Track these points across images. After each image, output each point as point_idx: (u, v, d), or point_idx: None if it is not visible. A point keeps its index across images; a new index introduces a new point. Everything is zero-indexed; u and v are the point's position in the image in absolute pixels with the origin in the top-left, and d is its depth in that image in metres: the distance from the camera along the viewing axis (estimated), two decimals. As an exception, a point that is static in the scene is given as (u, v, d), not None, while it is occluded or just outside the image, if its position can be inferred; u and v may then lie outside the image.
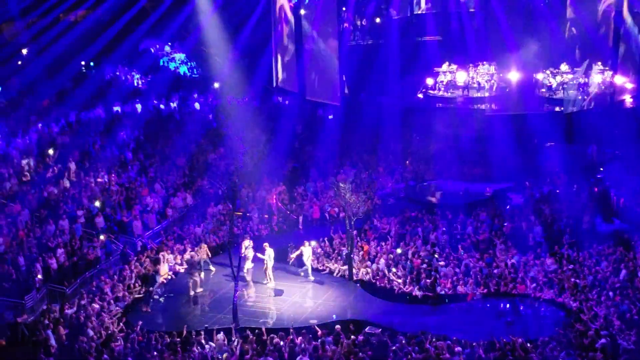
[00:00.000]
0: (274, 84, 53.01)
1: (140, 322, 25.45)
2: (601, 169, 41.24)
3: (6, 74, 41.69)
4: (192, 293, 28.69)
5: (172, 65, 50.16)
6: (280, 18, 51.51)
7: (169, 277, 30.13)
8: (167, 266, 30.48)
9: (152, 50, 50.20)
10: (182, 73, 50.78)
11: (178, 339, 23.59)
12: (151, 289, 28.21)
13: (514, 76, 48.46)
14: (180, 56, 50.80)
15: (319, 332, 23.68)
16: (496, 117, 48.10)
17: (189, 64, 51.33)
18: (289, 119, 49.82)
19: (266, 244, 30.22)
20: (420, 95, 52.75)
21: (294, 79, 51.71)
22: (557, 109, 47.50)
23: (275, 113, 50.09)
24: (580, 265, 29.33)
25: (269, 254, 29.79)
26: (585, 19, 46.28)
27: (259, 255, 29.64)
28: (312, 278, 30.22)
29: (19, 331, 25.28)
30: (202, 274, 29.66)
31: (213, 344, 23.37)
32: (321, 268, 31.14)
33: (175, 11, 48.57)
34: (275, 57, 52.85)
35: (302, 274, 30.50)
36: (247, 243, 29.84)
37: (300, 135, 48.59)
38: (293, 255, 31.08)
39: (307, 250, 30.43)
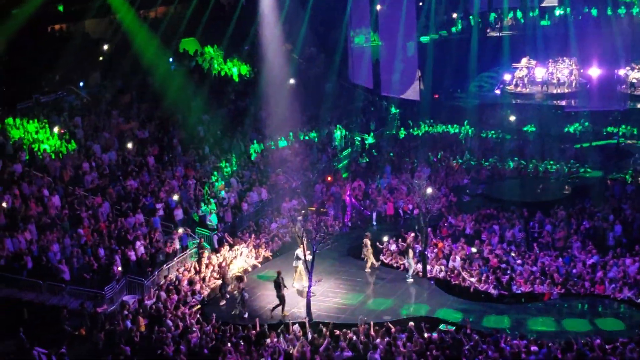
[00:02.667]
0: (349, 80, 53.12)
1: (215, 315, 25.83)
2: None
3: (88, 69, 42.66)
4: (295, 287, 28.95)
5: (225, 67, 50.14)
6: (355, 14, 51.55)
7: (244, 271, 30.40)
8: (242, 260, 30.83)
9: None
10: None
11: (253, 332, 23.85)
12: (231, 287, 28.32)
13: (594, 72, 47.55)
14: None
15: (393, 329, 23.61)
16: (576, 114, 47.30)
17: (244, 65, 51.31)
18: (365, 115, 49.91)
19: (368, 234, 31.45)
20: (498, 92, 52.23)
21: (369, 74, 51.71)
22: (639, 105, 46.42)
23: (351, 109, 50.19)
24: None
25: (368, 243, 30.74)
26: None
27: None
28: (410, 280, 29.93)
29: (98, 321, 25.97)
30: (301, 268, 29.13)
31: (289, 336, 23.53)
32: (395, 265, 31.01)
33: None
34: (351, 53, 52.93)
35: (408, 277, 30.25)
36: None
37: (375, 131, 48.54)
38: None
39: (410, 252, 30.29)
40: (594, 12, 54.68)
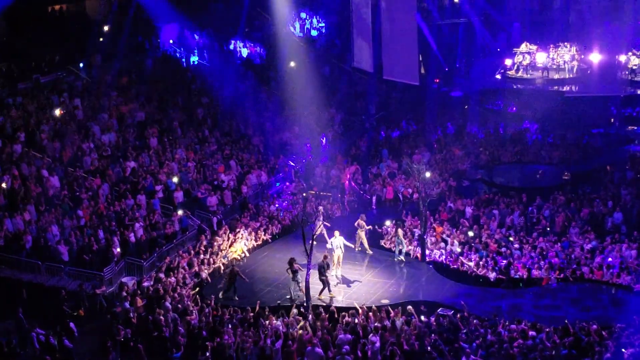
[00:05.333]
0: (350, 63, 52.86)
1: (214, 297, 25.87)
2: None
3: (88, 50, 42.53)
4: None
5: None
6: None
7: (244, 254, 30.44)
8: (242, 243, 30.83)
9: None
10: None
11: (251, 314, 23.90)
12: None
13: (595, 57, 47.37)
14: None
15: (391, 313, 23.66)
16: (576, 99, 47.15)
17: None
18: (364, 99, 49.77)
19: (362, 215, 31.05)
20: (499, 77, 52.02)
21: (369, 58, 51.41)
22: (639, 91, 46.27)
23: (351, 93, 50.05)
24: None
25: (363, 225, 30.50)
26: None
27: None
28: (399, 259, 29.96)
29: (97, 302, 26.03)
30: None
31: (287, 319, 23.57)
32: (394, 249, 30.98)
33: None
34: (352, 36, 52.62)
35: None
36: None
37: (375, 116, 48.42)
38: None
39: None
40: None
